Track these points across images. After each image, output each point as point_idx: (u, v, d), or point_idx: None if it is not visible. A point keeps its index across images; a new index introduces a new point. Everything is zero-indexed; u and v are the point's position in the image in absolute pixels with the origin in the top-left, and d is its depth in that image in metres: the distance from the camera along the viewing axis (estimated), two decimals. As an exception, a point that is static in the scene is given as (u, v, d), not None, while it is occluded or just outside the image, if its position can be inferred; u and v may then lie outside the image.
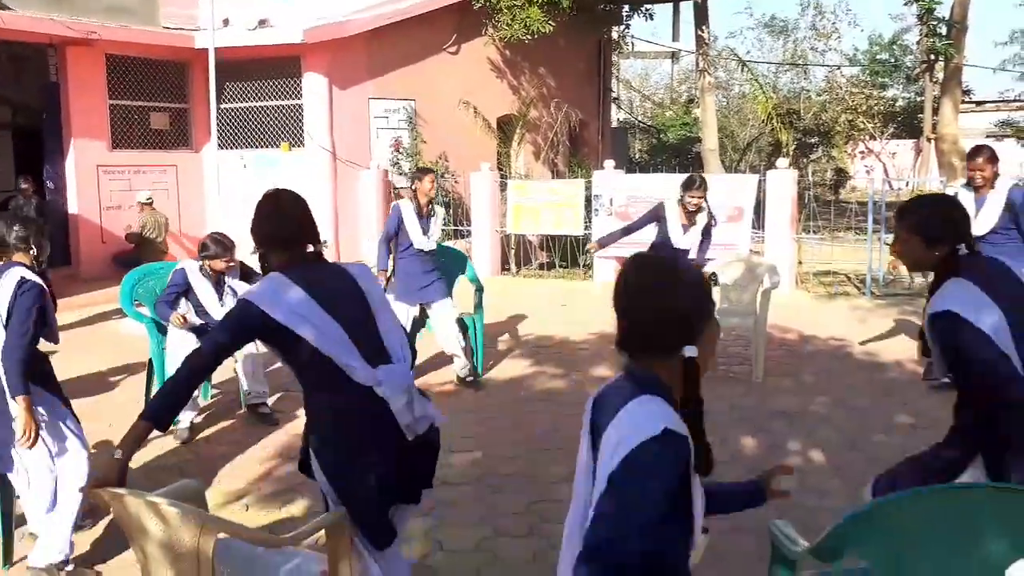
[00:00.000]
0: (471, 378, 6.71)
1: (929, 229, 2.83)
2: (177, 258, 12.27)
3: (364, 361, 2.78)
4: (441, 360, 7.43)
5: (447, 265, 6.95)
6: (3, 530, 3.82)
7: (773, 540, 2.69)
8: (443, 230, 7.12)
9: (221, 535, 2.61)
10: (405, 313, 6.46)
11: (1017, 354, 2.62)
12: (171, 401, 2.74)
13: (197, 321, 5.77)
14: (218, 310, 5.76)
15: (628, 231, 6.89)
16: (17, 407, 3.58)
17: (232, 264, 5.87)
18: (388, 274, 6.61)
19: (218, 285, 5.84)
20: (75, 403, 6.19)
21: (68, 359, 7.64)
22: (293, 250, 2.90)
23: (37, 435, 3.61)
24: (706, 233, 6.76)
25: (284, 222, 2.91)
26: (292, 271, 2.83)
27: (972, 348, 2.61)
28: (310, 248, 2.93)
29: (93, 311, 9.55)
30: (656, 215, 6.79)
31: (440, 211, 6.77)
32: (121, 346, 8.02)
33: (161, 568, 2.65)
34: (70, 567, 3.83)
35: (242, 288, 5.91)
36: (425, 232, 6.54)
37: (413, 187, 6.66)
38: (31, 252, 3.84)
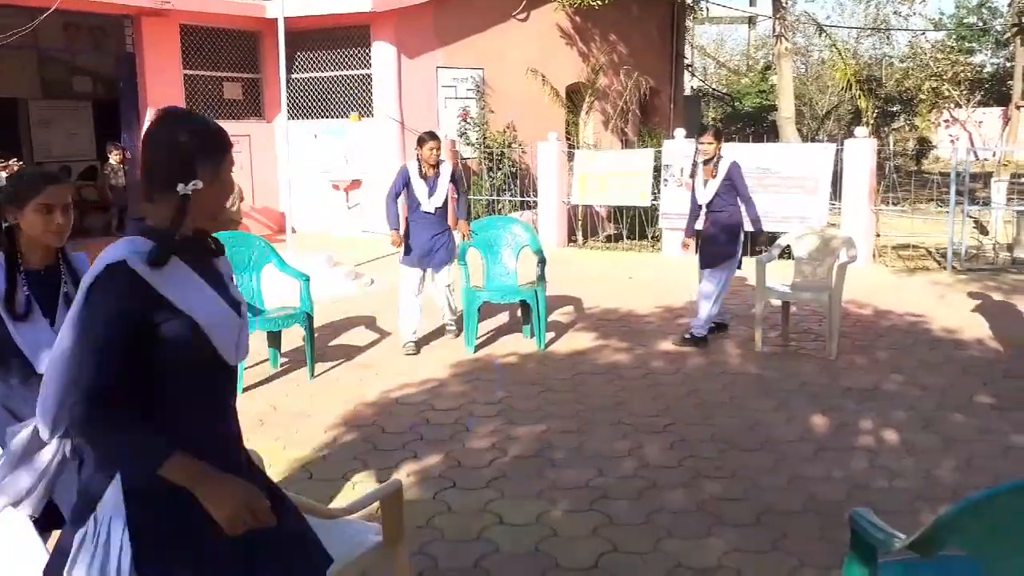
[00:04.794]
0: (457, 333, 7.11)
1: None
2: (250, 228, 12.49)
3: None
4: (500, 332, 7.42)
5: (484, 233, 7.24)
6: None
7: (855, 528, 2.56)
8: (461, 190, 7.26)
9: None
10: (413, 276, 6.89)
11: None
12: None
13: None
14: None
15: (693, 211, 7.16)
16: None
17: None
18: (400, 236, 6.94)
19: None
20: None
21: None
22: None
23: None
24: (732, 180, 6.87)
25: None
26: None
27: None
28: None
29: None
30: (692, 176, 7.17)
31: (447, 169, 6.98)
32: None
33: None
34: None
35: None
36: (430, 193, 6.85)
37: (416, 150, 7.02)
38: None
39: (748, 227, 6.99)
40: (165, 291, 1.88)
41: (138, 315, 1.85)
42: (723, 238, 6.85)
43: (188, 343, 1.91)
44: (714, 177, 6.83)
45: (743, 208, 6.90)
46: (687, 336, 6.91)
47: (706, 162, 6.88)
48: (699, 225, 7.18)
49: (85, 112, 15.50)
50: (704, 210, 6.99)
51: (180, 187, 1.91)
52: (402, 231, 6.96)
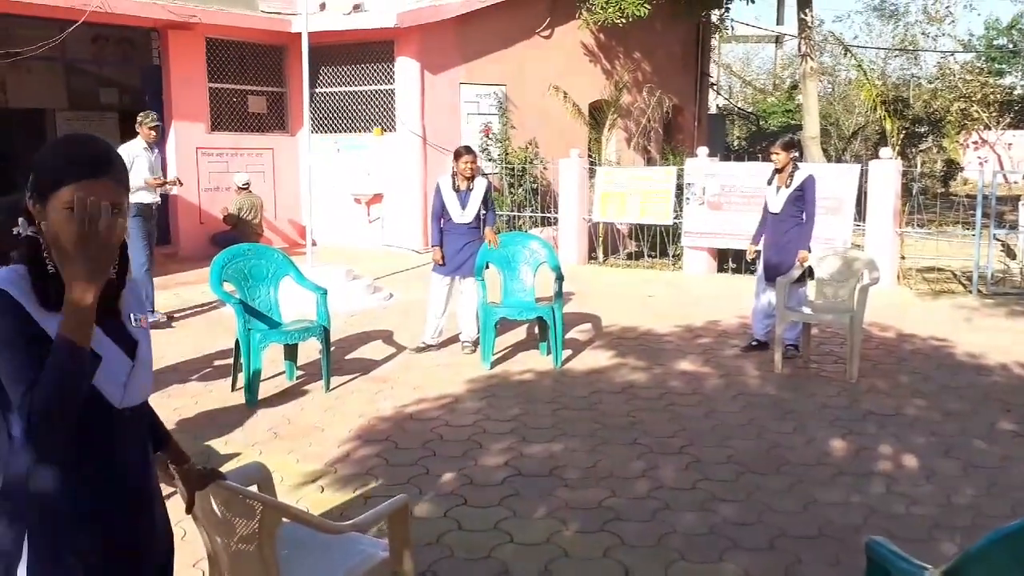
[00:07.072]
0: (472, 350, 7.16)
1: None
2: (272, 240, 12.56)
3: None
4: (517, 349, 7.39)
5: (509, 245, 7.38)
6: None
7: (873, 557, 2.48)
8: (491, 206, 7.33)
9: (284, 520, 2.60)
10: (442, 285, 7.17)
11: None
12: None
13: None
14: None
15: (764, 220, 7.31)
16: None
17: None
18: (441, 252, 7.14)
19: None
20: (163, 379, 6.36)
21: (165, 336, 7.87)
22: None
23: None
24: (804, 191, 6.98)
25: None
26: None
27: None
28: None
29: (192, 290, 9.79)
30: (768, 184, 7.24)
31: (481, 184, 7.15)
32: (214, 325, 8.23)
33: (224, 550, 2.65)
34: None
35: None
36: (463, 206, 7.06)
37: (452, 164, 7.23)
38: None
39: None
40: (46, 324, 1.73)
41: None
42: (793, 250, 6.96)
43: None
44: (787, 186, 6.96)
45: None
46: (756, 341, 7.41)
47: (780, 171, 7.03)
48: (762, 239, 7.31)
49: (111, 123, 15.65)
50: (771, 220, 7.12)
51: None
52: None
